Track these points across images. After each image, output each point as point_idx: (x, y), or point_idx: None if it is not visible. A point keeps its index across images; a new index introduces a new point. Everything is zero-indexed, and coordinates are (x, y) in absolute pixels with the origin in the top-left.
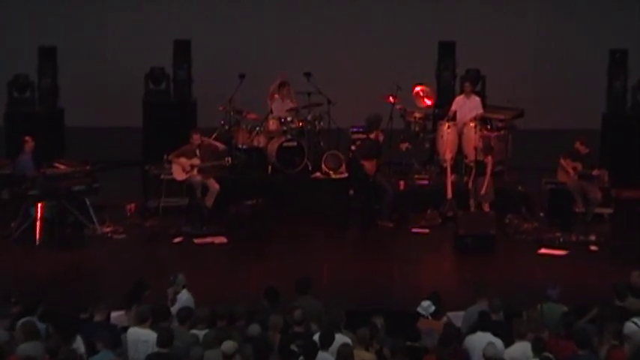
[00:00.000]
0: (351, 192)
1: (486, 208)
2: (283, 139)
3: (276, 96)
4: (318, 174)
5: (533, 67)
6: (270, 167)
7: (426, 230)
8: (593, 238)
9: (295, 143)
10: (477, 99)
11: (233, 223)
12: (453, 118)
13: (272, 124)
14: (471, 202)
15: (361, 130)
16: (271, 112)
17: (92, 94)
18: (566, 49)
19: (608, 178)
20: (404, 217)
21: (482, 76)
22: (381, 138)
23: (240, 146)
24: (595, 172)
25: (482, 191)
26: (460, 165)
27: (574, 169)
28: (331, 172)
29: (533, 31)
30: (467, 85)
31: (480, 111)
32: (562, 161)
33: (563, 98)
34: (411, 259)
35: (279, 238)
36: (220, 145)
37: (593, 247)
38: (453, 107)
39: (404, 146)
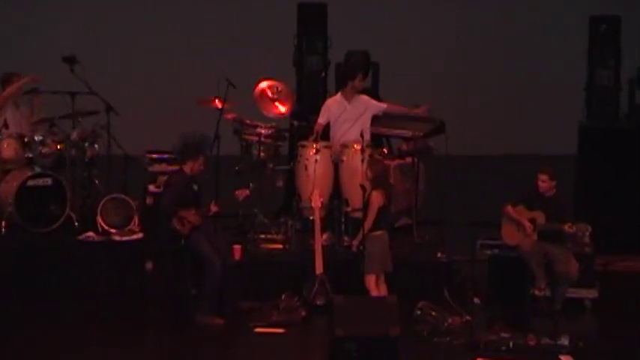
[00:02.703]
0: (150, 265)
1: (382, 289)
2: (28, 173)
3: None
4: (90, 234)
5: (459, 48)
6: (3, 223)
7: (280, 330)
8: (565, 341)
9: (49, 181)
10: (365, 100)
11: None
12: (325, 136)
13: (7, 148)
14: (367, 283)
15: (167, 158)
16: (5, 126)
17: None
18: (516, 18)
19: (591, 237)
20: (241, 307)
21: (374, 63)
22: (197, 170)
23: None
24: (568, 228)
25: (354, 246)
26: (337, 216)
27: (532, 222)
28: (114, 231)
29: None
30: (358, 78)
31: (376, 112)
32: (510, 209)
33: (512, 101)
34: None
35: (15, 351)
36: None
37: (564, 358)
38: (323, 118)
39: (241, 194)
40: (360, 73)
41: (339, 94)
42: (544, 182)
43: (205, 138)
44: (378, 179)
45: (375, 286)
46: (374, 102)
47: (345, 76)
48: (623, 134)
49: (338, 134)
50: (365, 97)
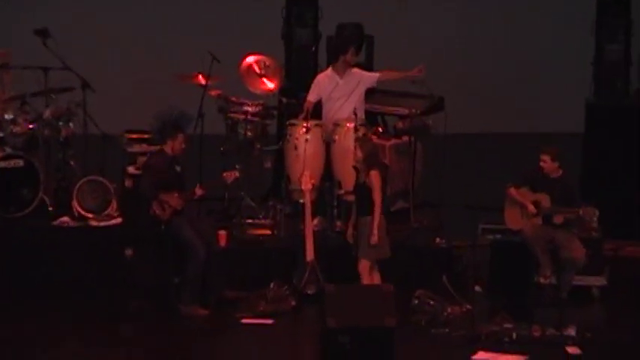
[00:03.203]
0: (130, 252)
1: (376, 277)
2: None
3: None
4: (65, 219)
5: (460, 22)
6: None
7: (268, 320)
8: (571, 332)
9: (21, 162)
10: (357, 73)
11: None
12: (317, 114)
13: None
14: (361, 269)
15: (147, 137)
16: None
17: None
18: None
19: (599, 221)
20: (227, 296)
21: (369, 36)
22: (178, 149)
23: None
24: (557, 220)
25: (372, 240)
26: (329, 199)
27: (535, 205)
28: (90, 216)
29: None
30: (350, 52)
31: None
32: (513, 191)
33: (517, 76)
34: None
35: None
36: None
37: (571, 350)
38: (313, 94)
39: (229, 176)
40: (352, 46)
41: (330, 69)
42: (545, 163)
43: (183, 114)
44: (370, 159)
45: (369, 273)
46: (366, 73)
47: (336, 50)
48: (633, 112)
49: (330, 112)
50: (357, 70)
